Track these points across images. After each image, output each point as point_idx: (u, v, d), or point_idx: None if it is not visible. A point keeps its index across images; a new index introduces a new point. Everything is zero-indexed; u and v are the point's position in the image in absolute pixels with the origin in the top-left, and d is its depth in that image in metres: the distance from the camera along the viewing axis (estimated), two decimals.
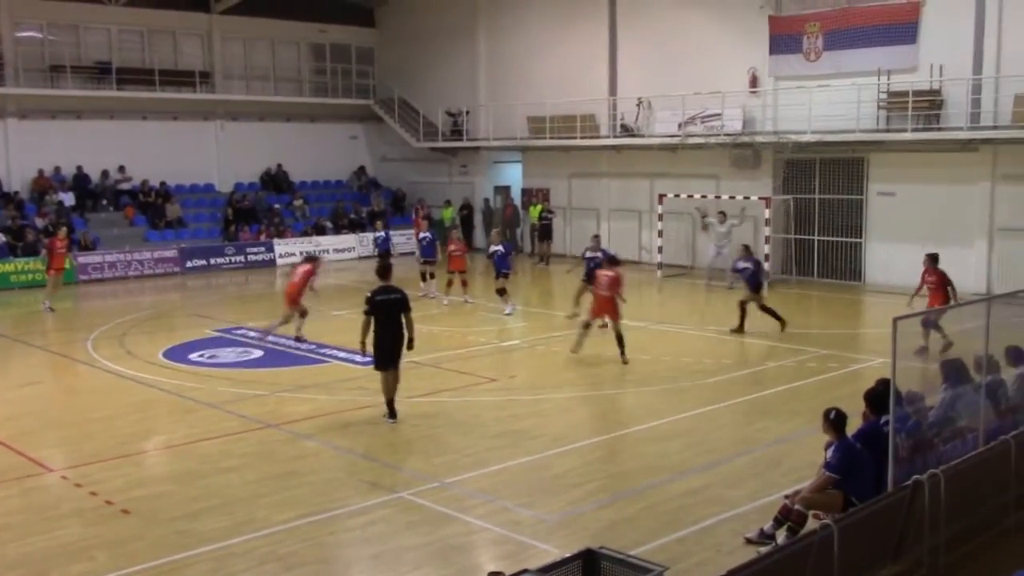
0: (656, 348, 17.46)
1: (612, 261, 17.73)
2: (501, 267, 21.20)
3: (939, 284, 16.52)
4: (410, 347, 12.85)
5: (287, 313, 18.11)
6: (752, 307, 18.52)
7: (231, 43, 35.35)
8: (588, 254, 20.28)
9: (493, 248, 21.51)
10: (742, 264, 19.05)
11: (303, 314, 18.16)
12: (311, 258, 19.46)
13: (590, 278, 18.47)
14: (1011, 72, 21.68)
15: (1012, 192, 22.38)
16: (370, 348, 12.71)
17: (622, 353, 16.06)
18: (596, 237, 21.87)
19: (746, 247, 19.89)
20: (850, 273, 25.36)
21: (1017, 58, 21.64)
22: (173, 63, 33.85)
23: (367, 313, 12.65)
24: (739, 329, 18.31)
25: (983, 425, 9.18)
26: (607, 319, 16.45)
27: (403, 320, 12.70)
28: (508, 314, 20.65)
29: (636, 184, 30.02)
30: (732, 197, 26.18)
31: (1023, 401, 9.96)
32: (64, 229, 24.58)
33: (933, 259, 16.96)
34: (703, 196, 26.96)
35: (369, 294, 12.78)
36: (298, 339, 18.04)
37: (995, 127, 22.04)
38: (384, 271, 13.29)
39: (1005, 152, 22.30)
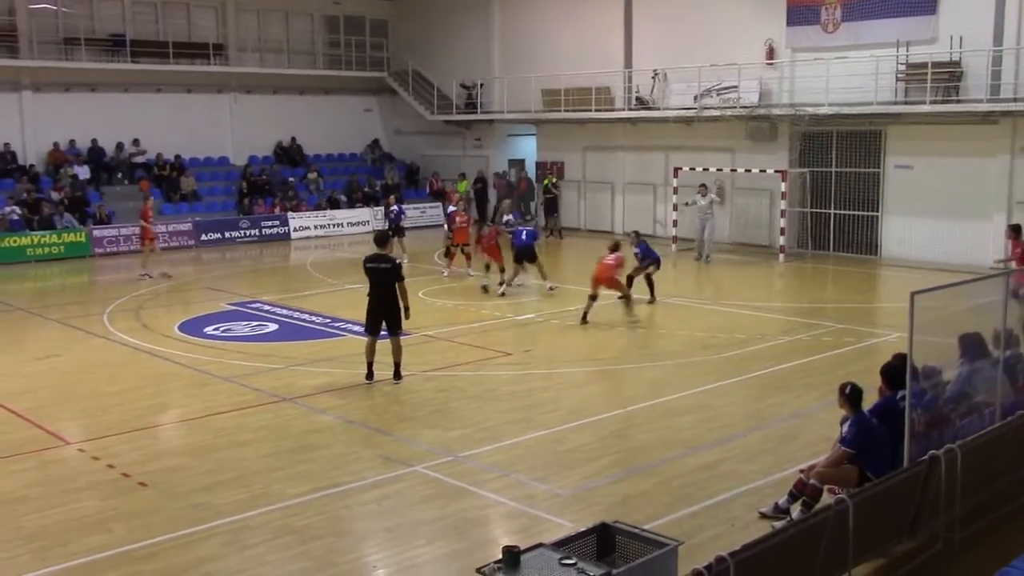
0: (670, 322, 17.42)
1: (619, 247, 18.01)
2: (524, 247, 20.19)
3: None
4: (406, 316, 13.23)
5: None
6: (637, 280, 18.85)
7: (245, 15, 35.22)
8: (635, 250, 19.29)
9: (505, 217, 21.06)
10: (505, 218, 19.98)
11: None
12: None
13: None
14: None
15: None
16: None
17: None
18: (636, 233, 20.27)
19: (636, 232, 19.99)
20: (866, 247, 25.21)
21: None
22: (187, 35, 33.76)
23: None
24: (626, 301, 18.00)
25: (1000, 400, 9.13)
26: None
27: (396, 289, 13.07)
28: (551, 289, 20.37)
29: (651, 157, 29.86)
30: (748, 170, 26.02)
31: None
32: (151, 200, 25.06)
33: (1016, 230, 16.83)
34: (719, 169, 26.82)
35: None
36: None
37: (1015, 99, 21.80)
38: (380, 239, 13.67)
39: None
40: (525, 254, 20.19)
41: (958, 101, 22.66)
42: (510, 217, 21.19)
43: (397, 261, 13.45)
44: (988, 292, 9.56)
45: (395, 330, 13.27)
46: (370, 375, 13.32)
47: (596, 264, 17.50)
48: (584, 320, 17.07)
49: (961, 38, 22.65)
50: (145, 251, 23.83)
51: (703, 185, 25.40)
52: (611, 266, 17.44)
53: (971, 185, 22.91)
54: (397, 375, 13.36)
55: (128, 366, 14.78)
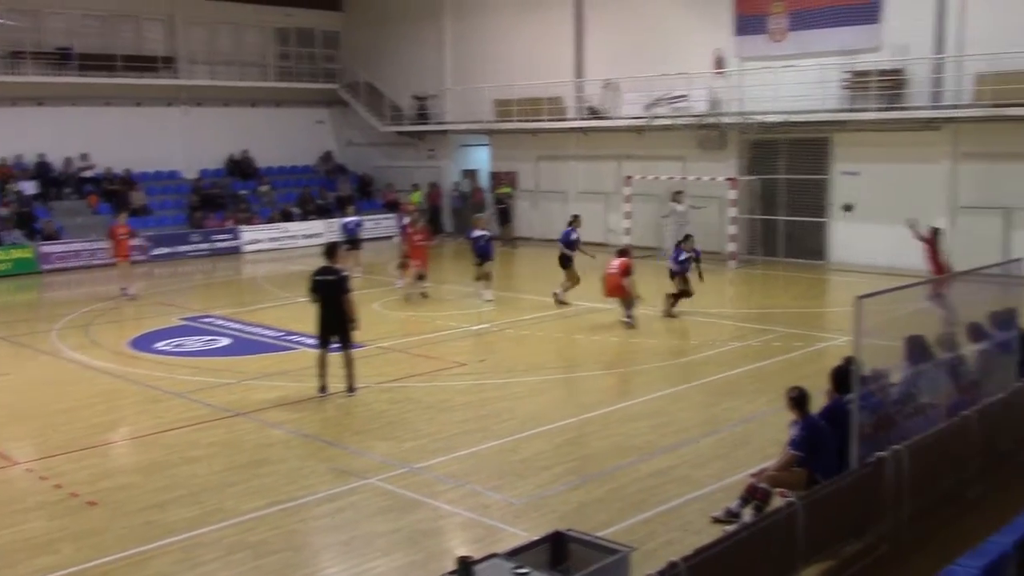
0: (624, 330, 17.53)
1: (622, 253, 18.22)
2: (486, 253, 20.48)
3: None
4: (354, 327, 13.25)
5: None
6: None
7: (194, 28, 34.94)
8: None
9: (478, 233, 20.68)
10: (476, 233, 20.40)
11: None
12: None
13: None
14: (972, 51, 21.90)
15: (973, 170, 22.65)
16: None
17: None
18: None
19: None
20: (815, 252, 25.56)
21: (978, 37, 21.86)
22: (136, 48, 33.41)
23: (309, 291, 13.24)
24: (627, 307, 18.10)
25: (945, 401, 9.32)
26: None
27: (343, 301, 13.08)
28: (488, 301, 20.32)
29: (603, 166, 30.06)
30: (698, 178, 26.28)
31: (983, 377, 10.11)
32: (124, 215, 24.35)
33: (934, 234, 17.37)
34: (670, 177, 27.08)
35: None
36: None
37: (956, 106, 22.26)
38: (329, 251, 13.64)
39: (966, 131, 22.53)
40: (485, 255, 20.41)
41: (902, 108, 23.11)
42: (484, 233, 20.78)
43: (344, 273, 13.43)
44: (932, 296, 9.77)
45: (346, 343, 13.26)
46: (323, 388, 13.25)
47: (604, 274, 17.77)
48: (629, 326, 17.49)
49: (904, 46, 23.10)
50: (120, 268, 22.85)
51: (679, 192, 25.54)
52: (616, 275, 17.56)
53: (915, 191, 23.31)
54: (350, 388, 13.32)
55: (78, 383, 14.57)
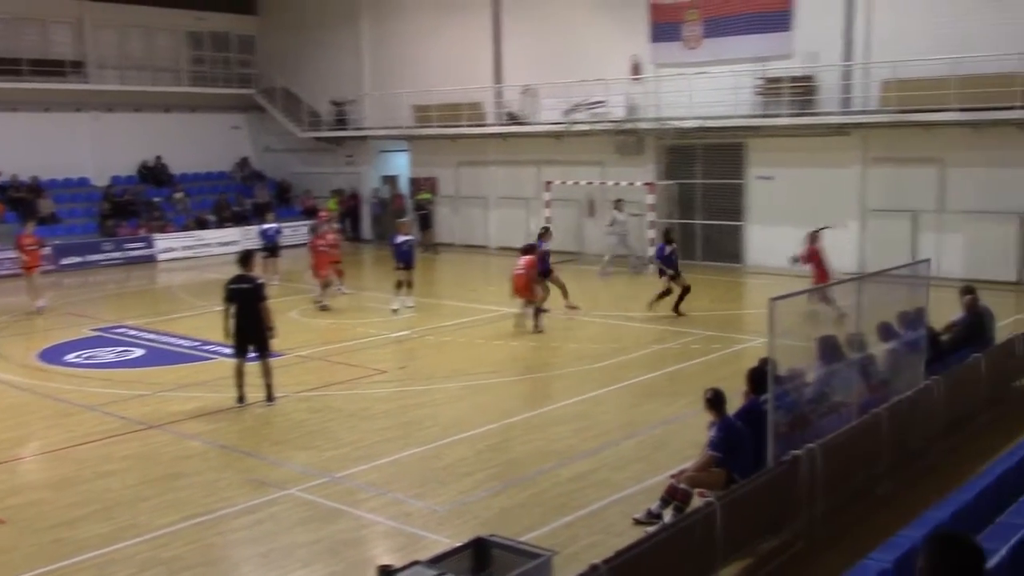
0: (546, 335, 17.59)
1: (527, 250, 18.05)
2: (409, 258, 19.99)
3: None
4: (271, 335, 13.09)
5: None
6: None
7: (104, 31, 34.12)
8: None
9: (402, 238, 20.15)
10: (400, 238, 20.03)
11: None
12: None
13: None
14: (879, 58, 22.54)
15: (882, 174, 23.31)
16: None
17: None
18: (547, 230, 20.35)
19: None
20: (732, 256, 26.02)
21: (884, 45, 22.53)
22: (43, 52, 32.48)
23: (224, 300, 13.03)
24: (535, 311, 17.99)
25: (856, 399, 9.55)
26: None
27: (259, 309, 12.91)
28: (409, 307, 19.96)
29: (523, 171, 30.18)
30: (617, 183, 26.54)
31: (893, 375, 10.39)
32: (31, 224, 23.30)
33: (813, 238, 18.18)
34: (589, 183, 27.30)
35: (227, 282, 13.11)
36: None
37: (864, 111, 22.90)
38: (243, 259, 13.51)
39: (875, 136, 23.19)
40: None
41: (813, 114, 23.66)
42: (408, 238, 20.36)
43: (259, 281, 13.27)
44: (843, 297, 10.01)
45: (263, 352, 13.08)
46: (241, 399, 13.04)
47: (512, 274, 17.72)
48: (537, 329, 17.44)
49: (814, 54, 23.67)
50: (31, 280, 21.70)
51: (619, 200, 25.63)
52: (523, 274, 17.48)
53: (827, 194, 23.91)
54: (269, 397, 13.13)
55: None
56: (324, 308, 20.48)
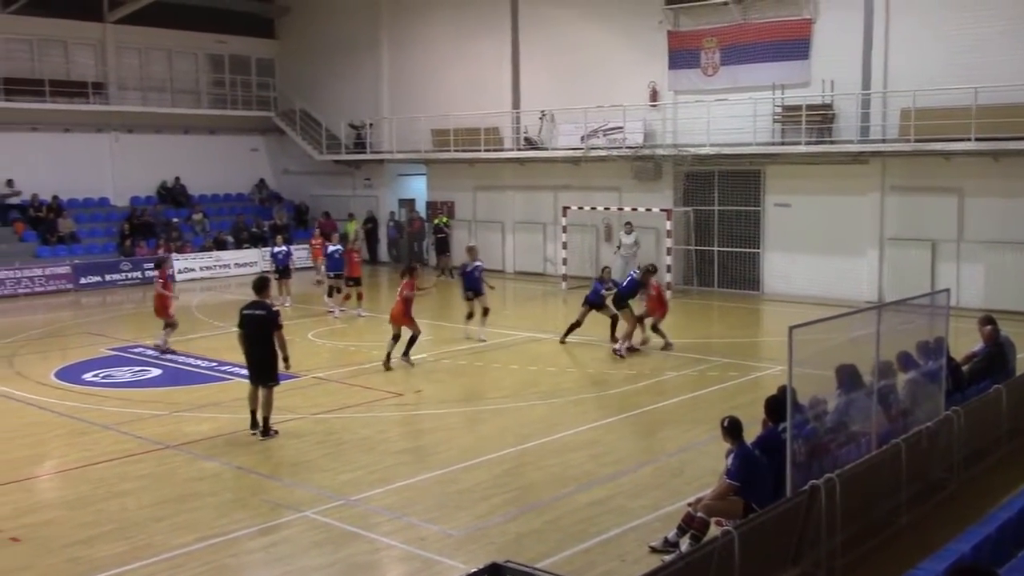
0: (561, 360, 17.57)
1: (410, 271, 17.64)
2: (479, 286, 19.58)
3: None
4: (286, 365, 12.78)
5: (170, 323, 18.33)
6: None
7: (126, 53, 34.46)
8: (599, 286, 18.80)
9: (473, 265, 19.85)
10: (472, 265, 19.79)
11: (172, 326, 18.50)
12: (160, 262, 18.71)
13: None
14: (897, 88, 22.53)
15: (900, 203, 23.23)
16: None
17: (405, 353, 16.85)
18: (608, 269, 20.11)
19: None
20: (749, 283, 25.94)
21: (903, 74, 22.51)
22: (65, 73, 32.83)
23: (237, 326, 12.92)
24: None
25: (875, 429, 9.47)
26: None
27: (273, 339, 12.60)
28: (481, 340, 19.20)
29: (540, 196, 30.23)
30: (634, 209, 26.55)
31: (913, 405, 10.31)
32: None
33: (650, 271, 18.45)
34: (606, 208, 27.33)
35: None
36: (164, 351, 18.21)
37: (883, 140, 22.86)
38: (258, 286, 13.15)
39: (893, 164, 23.14)
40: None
41: (831, 142, 23.64)
42: (478, 264, 19.97)
43: (274, 308, 13.04)
44: (862, 325, 9.95)
45: (265, 382, 12.68)
46: (254, 424, 12.81)
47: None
48: (387, 364, 16.62)
49: (832, 82, 23.69)
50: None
51: (628, 223, 25.64)
52: (400, 301, 16.81)
53: (845, 222, 23.86)
54: (265, 431, 12.66)
55: (1, 416, 14.14)
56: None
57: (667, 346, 18.15)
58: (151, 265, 18.51)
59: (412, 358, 16.89)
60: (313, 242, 28.41)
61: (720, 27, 25.82)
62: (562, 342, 18.74)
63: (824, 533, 8.07)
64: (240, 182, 37.15)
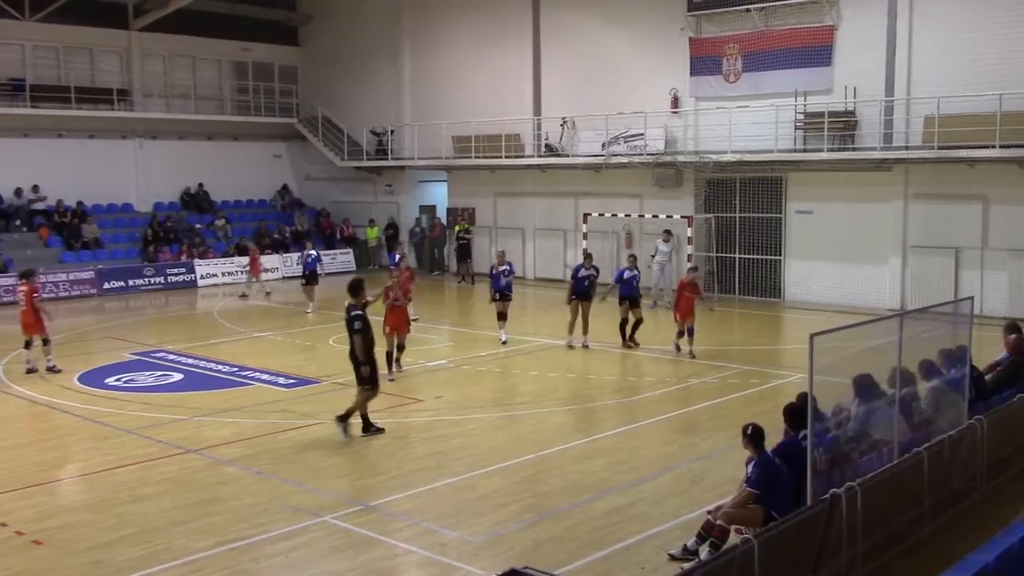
0: (581, 366, 17.54)
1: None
2: (509, 290, 19.64)
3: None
4: (363, 370, 12.92)
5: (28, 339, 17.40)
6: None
7: (150, 60, 34.77)
8: (582, 272, 19.37)
9: (502, 268, 19.75)
10: (500, 268, 19.65)
11: (46, 342, 17.45)
12: (26, 274, 17.92)
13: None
14: (921, 94, 22.40)
15: (924, 210, 23.07)
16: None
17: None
18: (588, 255, 20.64)
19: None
20: (770, 290, 25.82)
21: (926, 81, 22.38)
22: (90, 80, 33.14)
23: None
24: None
25: (897, 438, 9.40)
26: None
27: (352, 340, 12.90)
28: (503, 342, 19.45)
29: (561, 203, 30.23)
30: (655, 216, 26.49)
31: (935, 414, 10.22)
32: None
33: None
34: (627, 215, 27.28)
35: None
36: (49, 369, 17.31)
37: (907, 147, 22.71)
38: (353, 288, 13.27)
39: (916, 171, 22.99)
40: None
41: (853, 149, 23.53)
42: (506, 267, 19.85)
43: (355, 312, 12.97)
44: (884, 333, 9.87)
45: (359, 381, 12.97)
46: (365, 426, 13.04)
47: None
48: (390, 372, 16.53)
49: (855, 88, 23.58)
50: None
51: (667, 231, 25.54)
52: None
53: (868, 230, 23.72)
54: (366, 428, 13.01)
55: (24, 420, 14.28)
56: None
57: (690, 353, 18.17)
58: (17, 278, 17.05)
59: (402, 367, 17.10)
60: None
61: (742, 34, 25.76)
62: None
63: (845, 542, 8.01)
64: (263, 188, 37.37)
